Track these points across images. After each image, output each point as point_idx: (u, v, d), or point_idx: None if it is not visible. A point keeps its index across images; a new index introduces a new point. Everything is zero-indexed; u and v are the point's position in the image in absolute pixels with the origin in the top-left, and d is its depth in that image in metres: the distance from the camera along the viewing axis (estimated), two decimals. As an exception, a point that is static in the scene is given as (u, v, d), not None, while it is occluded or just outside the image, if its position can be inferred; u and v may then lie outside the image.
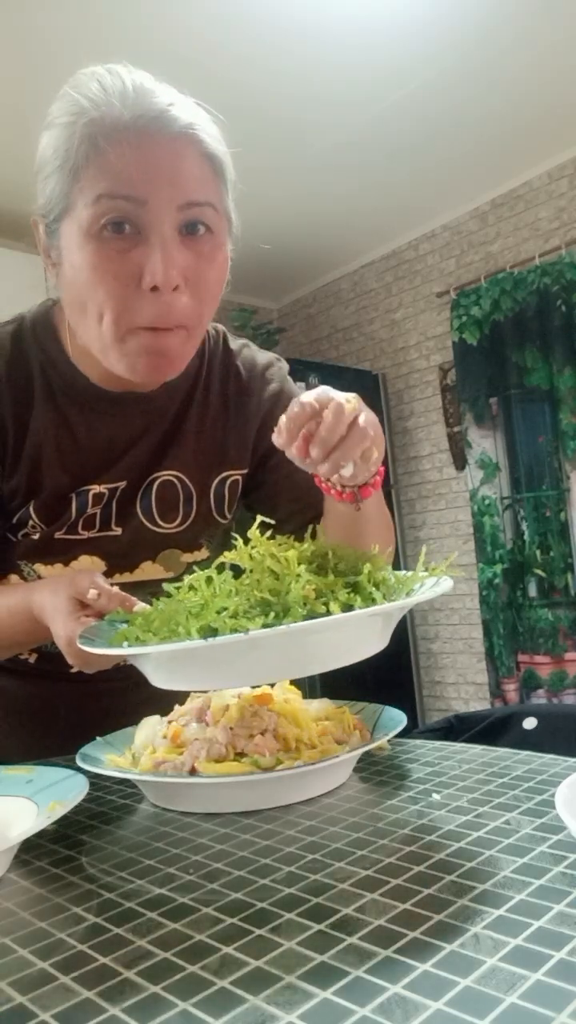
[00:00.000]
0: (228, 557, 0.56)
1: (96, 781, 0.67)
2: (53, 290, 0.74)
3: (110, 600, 0.62)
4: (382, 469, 0.69)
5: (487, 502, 3.42)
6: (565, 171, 3.25)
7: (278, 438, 0.62)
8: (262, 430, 0.86)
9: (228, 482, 0.86)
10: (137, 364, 0.68)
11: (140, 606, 0.62)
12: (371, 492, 0.70)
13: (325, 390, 0.63)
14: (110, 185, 0.63)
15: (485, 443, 3.44)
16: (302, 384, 3.74)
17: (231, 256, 0.74)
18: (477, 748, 0.71)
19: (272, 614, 0.49)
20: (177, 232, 0.65)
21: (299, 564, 0.54)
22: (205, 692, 0.69)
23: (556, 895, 0.42)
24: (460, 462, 3.64)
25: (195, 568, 0.86)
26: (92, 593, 0.62)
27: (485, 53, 2.54)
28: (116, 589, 0.63)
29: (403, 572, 0.62)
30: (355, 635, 0.54)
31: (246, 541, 0.57)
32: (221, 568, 0.56)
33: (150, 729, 0.68)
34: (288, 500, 0.87)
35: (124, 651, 0.52)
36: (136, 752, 0.66)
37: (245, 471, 0.87)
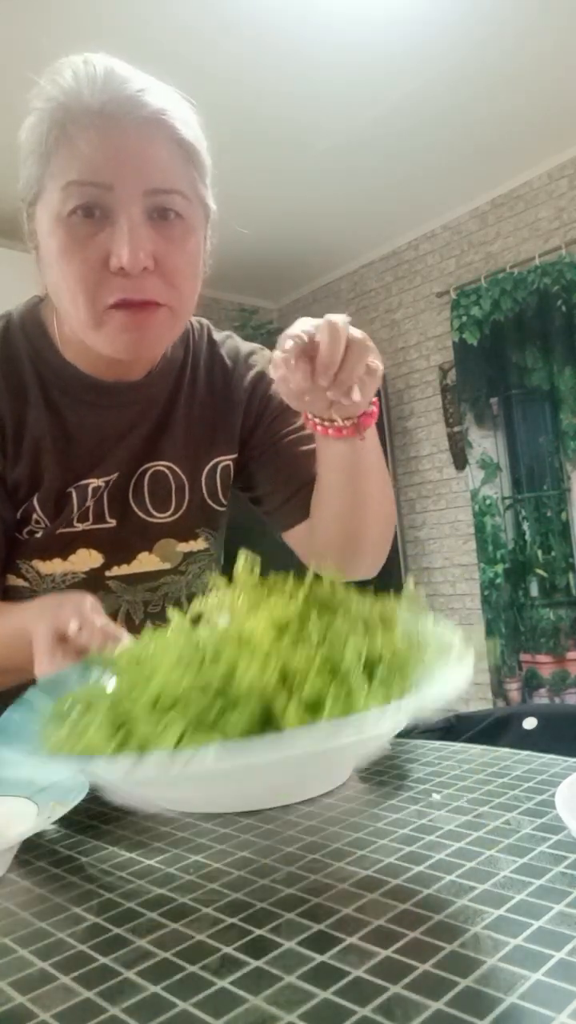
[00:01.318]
0: (203, 606, 0.49)
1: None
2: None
3: (92, 635, 0.57)
4: (376, 401, 0.70)
5: (488, 502, 3.42)
6: (565, 171, 3.25)
7: (275, 371, 0.62)
8: (247, 416, 0.87)
9: (220, 468, 0.87)
10: (118, 341, 0.68)
11: (126, 641, 0.57)
12: (371, 421, 0.71)
13: (307, 320, 0.62)
14: (77, 172, 0.63)
15: (486, 443, 3.44)
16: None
17: (211, 242, 0.74)
18: (477, 748, 0.71)
19: (215, 710, 0.38)
20: (146, 216, 0.65)
21: (275, 629, 0.42)
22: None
23: (556, 895, 0.42)
24: (460, 462, 3.64)
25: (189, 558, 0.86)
26: (73, 626, 0.58)
27: (485, 53, 2.54)
28: (103, 622, 0.59)
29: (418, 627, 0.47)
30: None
31: (234, 546, 0.54)
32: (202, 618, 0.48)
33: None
34: (269, 474, 0.88)
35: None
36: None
37: (235, 456, 0.88)
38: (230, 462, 0.87)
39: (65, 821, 0.60)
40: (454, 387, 3.62)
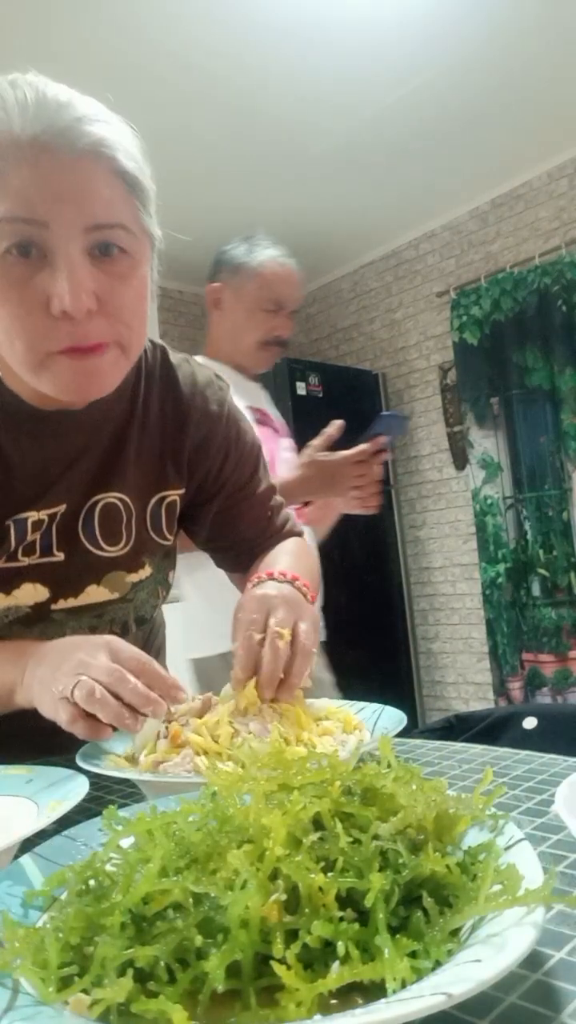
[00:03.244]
0: (220, 782, 0.39)
1: (96, 781, 0.67)
2: None
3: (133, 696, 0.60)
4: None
5: (489, 502, 3.42)
6: (565, 171, 3.25)
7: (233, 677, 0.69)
8: (198, 452, 0.84)
9: (165, 503, 0.83)
10: (65, 384, 0.65)
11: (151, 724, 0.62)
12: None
13: (257, 613, 0.71)
14: (10, 208, 0.59)
15: (487, 443, 3.44)
16: (302, 380, 3.71)
17: (158, 272, 0.71)
18: (477, 748, 0.71)
19: (196, 940, 0.30)
20: (87, 255, 0.61)
21: (295, 834, 0.34)
22: (205, 693, 0.69)
23: (556, 895, 0.42)
24: (460, 462, 3.64)
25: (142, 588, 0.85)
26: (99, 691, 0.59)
27: (485, 53, 2.54)
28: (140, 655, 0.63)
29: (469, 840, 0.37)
30: None
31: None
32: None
33: (150, 729, 0.68)
34: (222, 521, 0.91)
35: None
36: (135, 751, 0.66)
37: (182, 491, 0.85)
38: (177, 497, 0.84)
39: (65, 821, 0.59)
40: (454, 387, 3.62)
